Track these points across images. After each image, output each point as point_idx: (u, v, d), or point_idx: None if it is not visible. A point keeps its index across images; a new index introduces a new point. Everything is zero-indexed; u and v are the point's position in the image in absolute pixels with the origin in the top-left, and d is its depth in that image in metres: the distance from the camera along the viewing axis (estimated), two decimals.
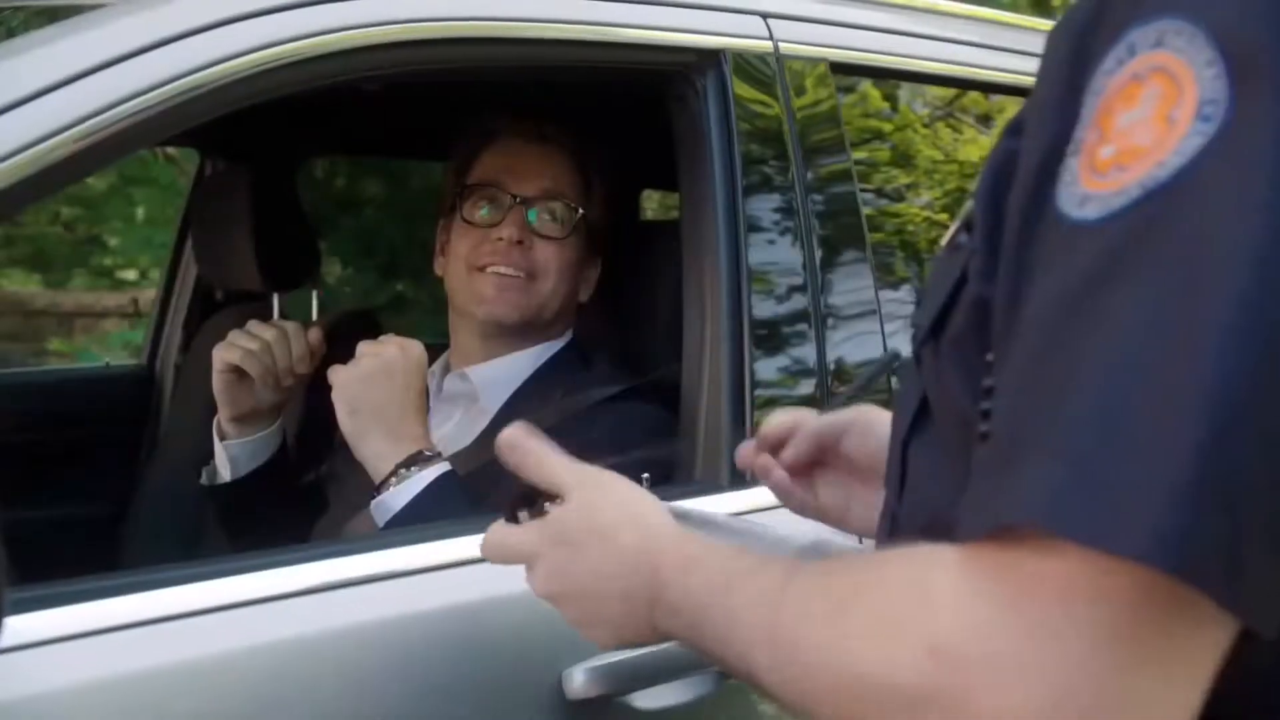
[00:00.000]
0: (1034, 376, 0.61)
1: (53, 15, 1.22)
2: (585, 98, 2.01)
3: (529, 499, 1.00)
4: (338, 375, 1.66)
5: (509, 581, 1.33)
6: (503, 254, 1.80)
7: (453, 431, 1.84)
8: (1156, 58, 0.61)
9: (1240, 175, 0.58)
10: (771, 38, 1.67)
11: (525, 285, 1.81)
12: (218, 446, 1.85)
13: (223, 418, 1.83)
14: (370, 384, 1.64)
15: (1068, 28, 0.67)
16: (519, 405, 1.80)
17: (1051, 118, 0.66)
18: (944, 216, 1.90)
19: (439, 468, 1.63)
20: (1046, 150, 0.65)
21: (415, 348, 1.67)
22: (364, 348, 1.67)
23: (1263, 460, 0.57)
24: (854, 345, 1.67)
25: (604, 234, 1.89)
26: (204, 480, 1.88)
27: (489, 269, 1.81)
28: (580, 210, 1.84)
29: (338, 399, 1.65)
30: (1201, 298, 0.57)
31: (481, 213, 1.84)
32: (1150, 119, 0.60)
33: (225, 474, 1.85)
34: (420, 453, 1.62)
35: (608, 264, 1.90)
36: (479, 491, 1.69)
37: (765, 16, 1.67)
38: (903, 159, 1.86)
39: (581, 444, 1.68)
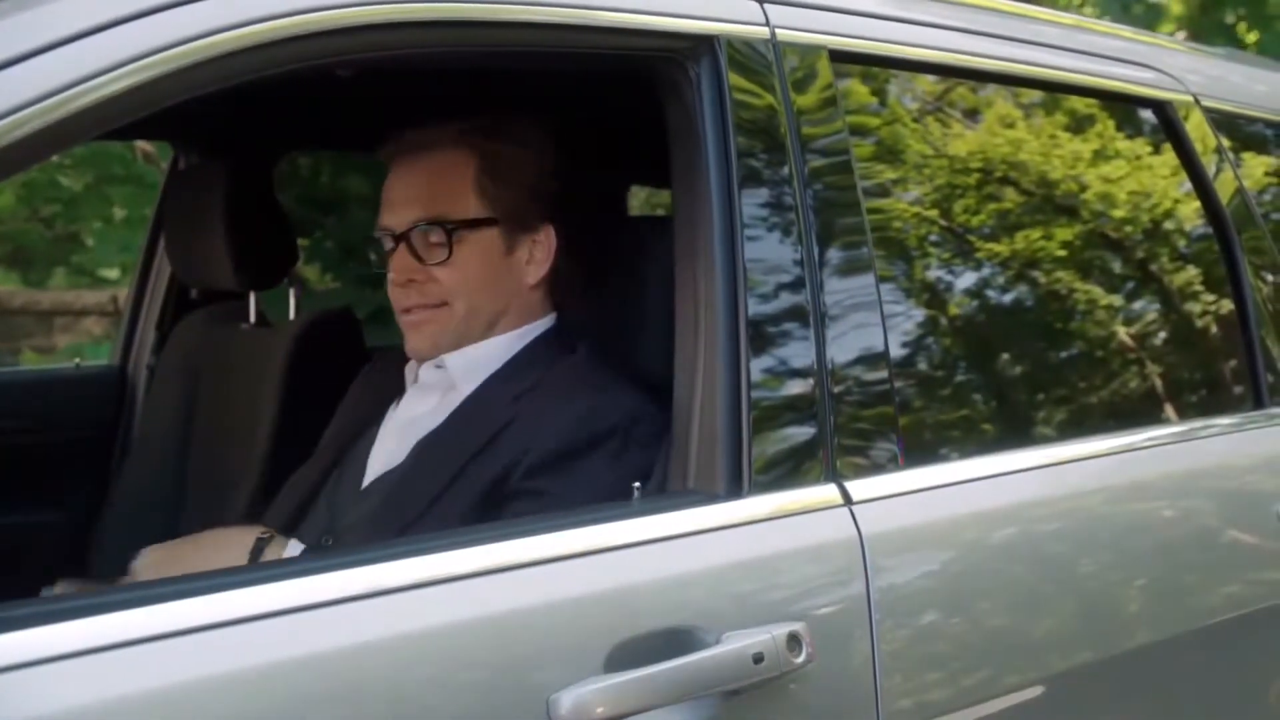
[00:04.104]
0: None
1: None
2: (570, 87, 1.94)
3: None
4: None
5: (494, 601, 1.26)
6: (400, 297, 1.77)
7: (426, 414, 1.78)
8: None
9: None
10: (768, 23, 1.59)
11: (436, 314, 1.75)
12: None
13: None
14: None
15: None
16: (495, 385, 1.75)
17: None
18: (934, 213, 1.82)
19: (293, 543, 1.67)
20: None
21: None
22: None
23: None
24: (855, 345, 1.59)
25: (535, 205, 1.78)
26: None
27: (401, 313, 1.78)
28: (458, 220, 1.73)
29: None
30: None
31: (386, 258, 1.79)
32: None
33: None
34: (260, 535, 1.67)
35: (590, 253, 1.80)
36: (440, 477, 1.65)
37: (761, 1, 1.60)
38: (890, 154, 1.77)
39: (560, 425, 1.63)
